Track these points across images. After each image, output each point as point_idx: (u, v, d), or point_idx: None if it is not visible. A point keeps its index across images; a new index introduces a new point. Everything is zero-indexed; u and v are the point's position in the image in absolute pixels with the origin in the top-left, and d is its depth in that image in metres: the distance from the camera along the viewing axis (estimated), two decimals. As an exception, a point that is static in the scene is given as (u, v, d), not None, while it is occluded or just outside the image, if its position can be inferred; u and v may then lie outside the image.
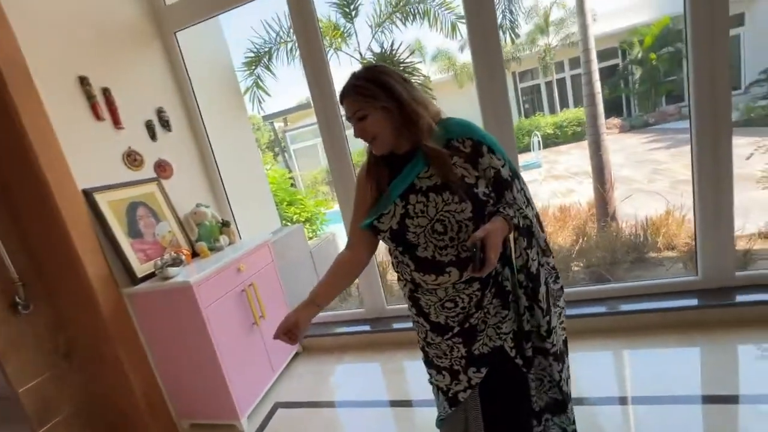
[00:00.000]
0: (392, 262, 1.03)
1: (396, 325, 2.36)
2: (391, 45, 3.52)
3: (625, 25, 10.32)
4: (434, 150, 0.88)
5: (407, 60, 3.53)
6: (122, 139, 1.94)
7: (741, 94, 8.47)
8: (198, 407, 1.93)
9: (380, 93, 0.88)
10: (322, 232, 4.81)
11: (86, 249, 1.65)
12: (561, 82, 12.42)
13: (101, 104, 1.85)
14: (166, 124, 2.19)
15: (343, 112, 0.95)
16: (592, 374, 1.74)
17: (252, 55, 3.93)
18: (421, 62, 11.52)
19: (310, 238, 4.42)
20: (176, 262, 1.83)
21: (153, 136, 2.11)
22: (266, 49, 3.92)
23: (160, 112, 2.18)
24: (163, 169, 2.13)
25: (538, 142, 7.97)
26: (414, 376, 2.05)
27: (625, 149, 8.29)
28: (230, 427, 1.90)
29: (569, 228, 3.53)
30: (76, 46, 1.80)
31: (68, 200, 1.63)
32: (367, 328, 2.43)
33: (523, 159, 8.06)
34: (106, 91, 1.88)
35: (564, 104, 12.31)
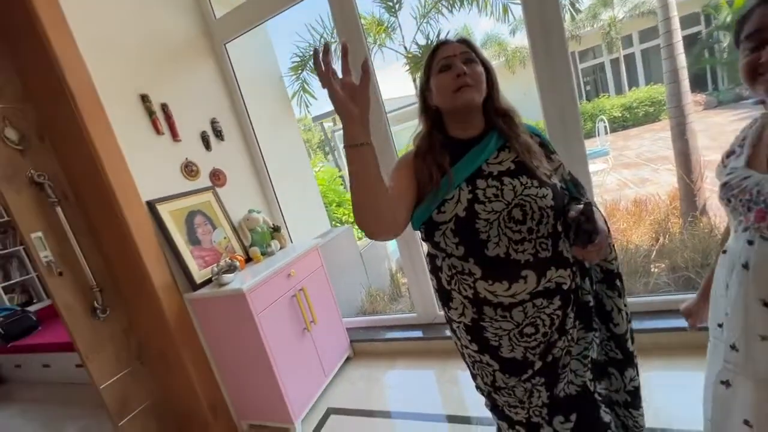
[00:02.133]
0: (443, 279, 0.83)
1: (449, 332, 2.23)
2: (438, 35, 3.36)
3: (709, -15, 8.96)
4: (521, 127, 0.84)
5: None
6: (180, 151, 2.04)
7: None
8: (256, 409, 1.98)
9: (480, 53, 0.85)
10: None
11: (151, 258, 1.76)
12: (629, 59, 11.17)
13: (161, 119, 1.95)
14: (219, 134, 2.28)
15: (446, 54, 0.82)
16: (687, 401, 1.47)
17: (297, 59, 4.00)
18: None
19: (360, 239, 4.43)
20: (231, 269, 1.88)
21: (207, 146, 2.19)
22: (311, 52, 3.94)
23: (213, 123, 2.26)
24: (217, 177, 2.21)
25: (605, 126, 7.23)
26: (470, 388, 1.91)
27: (710, 129, 7.23)
28: (285, 430, 1.93)
29: (646, 223, 3.11)
30: (136, 66, 1.91)
31: (134, 212, 1.73)
32: (419, 334, 2.33)
33: (587, 146, 7.37)
34: (164, 107, 1.98)
35: (633, 83, 11.08)
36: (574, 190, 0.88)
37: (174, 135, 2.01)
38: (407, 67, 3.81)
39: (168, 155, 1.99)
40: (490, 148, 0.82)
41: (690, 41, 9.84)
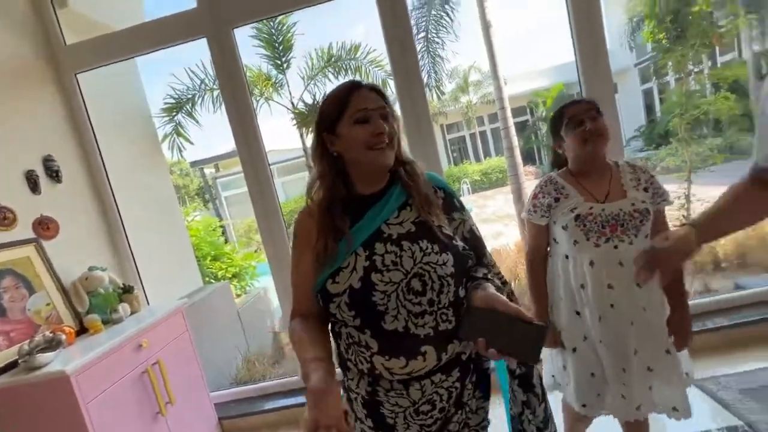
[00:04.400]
0: (341, 346, 0.76)
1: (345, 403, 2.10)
2: (324, 96, 3.57)
3: (530, 88, 11.99)
4: (425, 186, 0.77)
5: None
6: (-12, 194, 1.58)
7: (626, 146, 10.14)
8: None
9: (392, 105, 0.78)
10: (252, 288, 4.41)
11: None
12: (483, 134, 13.79)
13: (-39, 152, 1.51)
14: (54, 175, 1.87)
15: (363, 105, 0.73)
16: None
17: (172, 101, 3.69)
18: None
19: (238, 296, 4.00)
20: (52, 345, 1.45)
21: (35, 188, 1.77)
22: (189, 96, 3.71)
23: (47, 161, 1.85)
24: (45, 227, 1.77)
25: (468, 188, 8.54)
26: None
27: (541, 193, 9.21)
28: None
29: (504, 269, 3.67)
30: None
31: None
32: (303, 399, 2.15)
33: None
34: (-30, 137, 1.55)
35: (487, 153, 13.59)
36: (472, 252, 0.80)
37: (-20, 172, 1.56)
38: (294, 122, 3.90)
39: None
40: (390, 206, 0.75)
41: (521, 126, 12.78)
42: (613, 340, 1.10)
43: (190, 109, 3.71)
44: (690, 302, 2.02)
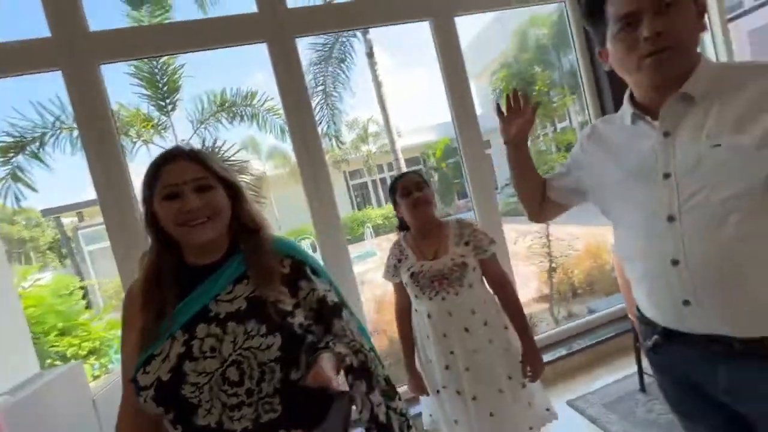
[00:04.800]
0: None
1: None
2: (214, 142, 3.37)
3: (422, 141, 13.40)
4: (267, 256, 0.72)
5: (233, 157, 3.40)
6: None
7: (499, 193, 11.91)
8: None
9: (222, 169, 0.73)
10: (116, 366, 3.59)
11: None
12: (383, 180, 14.66)
13: None
14: None
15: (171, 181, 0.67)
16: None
17: (11, 140, 3.00)
18: (247, 161, 11.67)
19: (96, 377, 3.19)
20: None
21: None
22: (36, 135, 3.09)
23: None
24: None
25: (370, 232, 8.78)
26: None
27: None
28: None
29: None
30: None
31: None
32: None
33: (358, 249, 8.64)
34: None
35: (387, 198, 14.40)
36: (320, 326, 0.75)
37: None
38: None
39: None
40: (222, 280, 0.69)
41: (417, 174, 14.01)
42: (456, 387, 1.25)
43: (36, 150, 3.06)
44: (555, 330, 2.35)
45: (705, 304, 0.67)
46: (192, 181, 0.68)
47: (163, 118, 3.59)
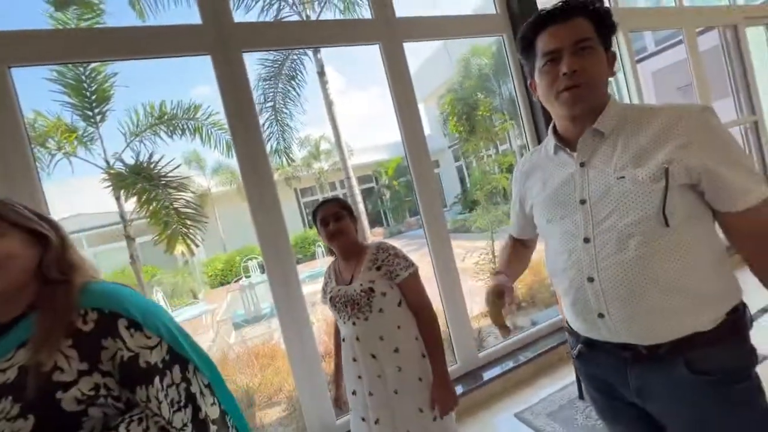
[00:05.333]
0: None
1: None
2: (150, 155, 3.12)
3: (373, 159, 13.59)
4: (57, 311, 0.60)
5: (172, 173, 3.17)
6: None
7: (447, 211, 12.39)
8: None
9: (18, 215, 0.64)
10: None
11: None
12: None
13: None
14: None
15: None
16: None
17: None
18: (186, 177, 11.01)
19: None
20: None
21: None
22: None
23: None
24: None
25: (323, 251, 8.60)
26: None
27: (390, 252, 10.07)
28: None
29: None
30: None
31: None
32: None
33: (309, 268, 8.42)
34: None
35: (340, 216, 14.26)
36: (117, 391, 0.63)
37: None
38: (109, 184, 3.22)
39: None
40: (4, 344, 0.60)
41: (368, 192, 14.14)
42: (361, 414, 1.28)
43: None
44: (503, 343, 2.44)
45: (615, 316, 0.76)
46: None
47: (90, 129, 3.26)
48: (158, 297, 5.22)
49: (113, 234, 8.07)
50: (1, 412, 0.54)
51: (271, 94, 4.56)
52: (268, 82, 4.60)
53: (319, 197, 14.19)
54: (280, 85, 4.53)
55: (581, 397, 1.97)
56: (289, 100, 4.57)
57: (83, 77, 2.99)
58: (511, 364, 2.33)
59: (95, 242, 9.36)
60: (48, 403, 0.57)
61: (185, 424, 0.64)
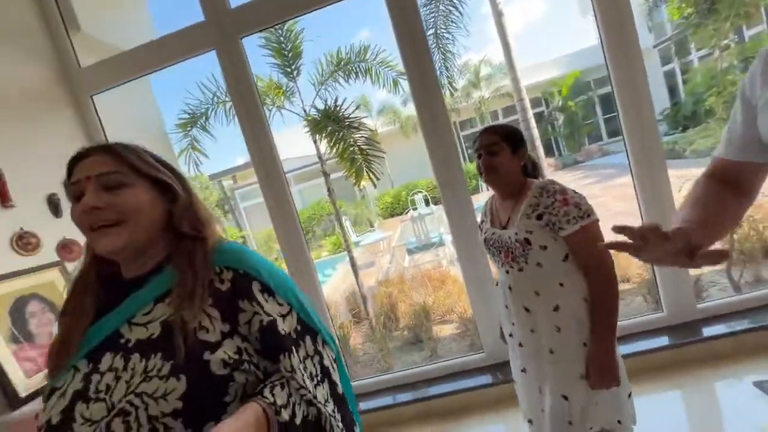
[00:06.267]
0: None
1: (365, 405, 2.04)
2: (335, 101, 3.54)
3: (542, 79, 11.68)
4: (197, 268, 0.57)
5: (353, 115, 3.55)
6: (11, 220, 1.60)
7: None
8: None
9: (146, 163, 0.61)
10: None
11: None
12: (497, 129, 13.53)
13: (-17, 180, 1.53)
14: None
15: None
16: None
17: (186, 116, 3.74)
18: (367, 116, 12.06)
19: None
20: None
21: (56, 211, 1.78)
22: (203, 110, 3.75)
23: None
24: (69, 250, 1.78)
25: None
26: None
27: (565, 185, 8.93)
28: None
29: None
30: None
31: None
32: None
33: (474, 201, 8.35)
34: (-8, 165, 1.57)
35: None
36: (265, 365, 0.58)
37: (3, 199, 1.58)
38: (307, 129, 3.87)
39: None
40: (142, 296, 0.57)
41: (537, 118, 12.45)
42: (515, 356, 1.19)
43: (204, 123, 3.76)
44: (735, 298, 1.86)
45: None
46: (96, 177, 0.56)
47: (290, 84, 3.93)
48: (347, 224, 6.27)
49: (312, 172, 9.92)
50: (152, 369, 0.51)
51: (432, 19, 4.34)
52: (428, 6, 4.36)
53: (480, 129, 13.49)
54: (441, 7, 4.24)
55: None
56: (450, 22, 4.25)
57: (282, 39, 3.54)
58: (746, 323, 1.80)
59: (298, 181, 11.79)
60: (198, 365, 0.52)
61: (327, 400, 0.59)
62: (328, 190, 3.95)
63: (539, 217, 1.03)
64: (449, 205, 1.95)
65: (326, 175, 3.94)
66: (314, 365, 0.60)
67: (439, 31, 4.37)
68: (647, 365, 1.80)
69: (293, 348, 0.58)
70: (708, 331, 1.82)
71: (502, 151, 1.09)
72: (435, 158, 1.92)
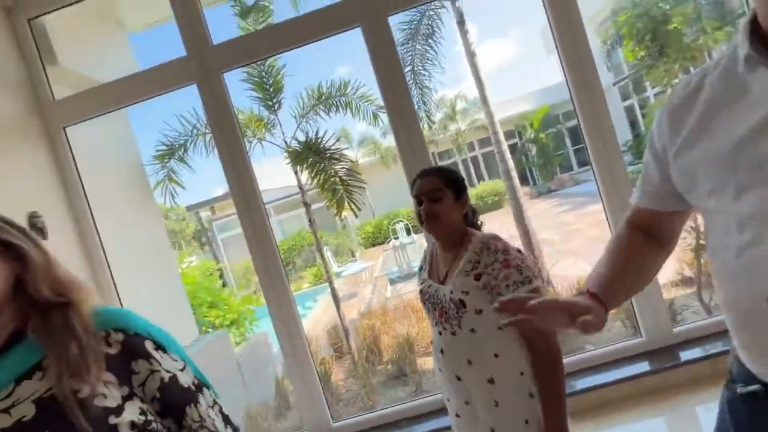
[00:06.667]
0: None
1: (686, 355, 1.81)
2: (316, 133, 3.61)
3: (516, 112, 12.36)
4: (78, 336, 0.52)
5: (334, 146, 3.61)
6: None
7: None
8: None
9: (14, 232, 0.55)
10: (251, 333, 4.22)
11: None
12: (474, 159, 14.02)
13: (-62, 214, 1.44)
14: (39, 232, 1.78)
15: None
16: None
17: (164, 148, 3.70)
18: (348, 148, 12.29)
19: (237, 344, 3.81)
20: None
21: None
22: (181, 142, 3.73)
23: (32, 218, 1.77)
24: (28, 287, 1.66)
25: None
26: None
27: (537, 214, 9.24)
28: None
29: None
30: None
31: None
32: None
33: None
34: (-51, 198, 1.48)
35: (480, 177, 13.75)
36: (168, 419, 0.57)
37: (-41, 235, 1.48)
38: (288, 161, 3.90)
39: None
40: (11, 370, 0.51)
41: (511, 149, 12.96)
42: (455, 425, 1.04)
43: (182, 155, 3.72)
44: (707, 321, 1.91)
45: None
46: None
47: (271, 116, 3.99)
48: (327, 254, 6.19)
49: (292, 203, 9.87)
50: None
51: (410, 57, 4.57)
52: (405, 46, 4.61)
53: (457, 159, 13.93)
54: (417, 47, 4.48)
55: None
56: (427, 60, 4.49)
57: (263, 73, 3.63)
58: (720, 346, 1.85)
59: (278, 212, 11.68)
60: (108, 425, 0.49)
61: None
62: (309, 220, 3.93)
63: (477, 278, 0.92)
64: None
65: (307, 205, 3.94)
66: (217, 414, 0.61)
67: (416, 68, 4.60)
68: (630, 392, 1.80)
69: (197, 399, 0.59)
70: (685, 355, 1.85)
71: (445, 197, 0.98)
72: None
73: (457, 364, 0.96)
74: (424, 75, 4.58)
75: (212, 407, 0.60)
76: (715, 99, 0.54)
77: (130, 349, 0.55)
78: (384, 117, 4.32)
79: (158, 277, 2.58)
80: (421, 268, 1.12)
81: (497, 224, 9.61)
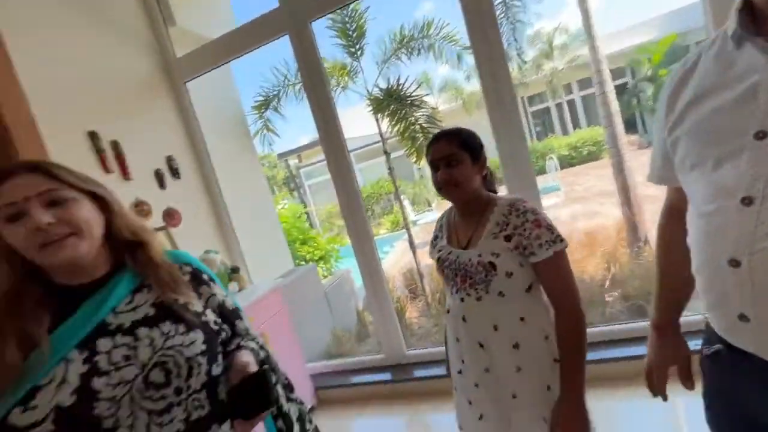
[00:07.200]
0: None
1: (418, 373, 2.16)
2: (398, 80, 3.55)
3: (630, 44, 10.34)
4: (165, 266, 0.69)
5: (415, 93, 3.53)
6: (130, 190, 1.92)
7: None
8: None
9: (80, 179, 0.65)
10: (336, 269, 4.70)
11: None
12: (571, 104, 12.37)
13: (110, 157, 1.85)
14: (175, 172, 2.19)
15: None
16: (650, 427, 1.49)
17: (261, 99, 4.03)
18: (429, 94, 11.80)
19: (325, 277, 4.30)
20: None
21: (162, 184, 2.09)
22: (275, 93, 4.01)
23: (169, 161, 2.17)
24: (171, 216, 2.09)
25: (555, 164, 7.82)
26: (441, 433, 1.83)
27: (645, 166, 8.02)
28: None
29: (598, 255, 3.30)
30: (87, 103, 1.83)
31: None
32: (387, 376, 2.24)
33: (540, 182, 7.90)
34: (115, 144, 1.89)
35: (576, 125, 12.20)
36: (227, 326, 0.75)
37: (124, 173, 1.90)
38: (370, 108, 3.95)
39: (117, 194, 1.86)
40: (118, 292, 0.64)
41: (620, 90, 11.11)
42: (467, 396, 1.03)
43: (276, 105, 4.02)
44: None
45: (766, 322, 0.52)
46: (38, 195, 0.58)
47: (354, 63, 4.01)
48: (405, 203, 6.35)
49: (372, 151, 10.09)
50: (170, 331, 0.63)
51: (502, -14, 4.06)
52: (497, -28, 4.09)
53: (551, 104, 12.46)
54: (512, -28, 3.95)
55: None
56: (521, -11, 3.95)
57: (347, 18, 3.60)
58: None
59: (359, 160, 12.07)
60: (202, 322, 0.68)
61: (268, 355, 0.78)
62: (389, 168, 4.03)
63: (508, 239, 0.90)
64: (511, 185, 1.90)
65: (387, 153, 4.01)
66: (251, 328, 0.82)
67: (508, 0, 4.09)
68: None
69: (241, 316, 0.80)
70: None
71: (461, 162, 0.94)
72: (499, 136, 1.87)
73: (482, 331, 0.96)
74: (517, 6, 4.07)
75: (249, 326, 0.81)
76: (707, 77, 0.57)
77: (196, 277, 0.75)
78: (468, 59, 4.03)
79: (261, 215, 2.99)
80: (436, 237, 1.10)
81: (592, 177, 8.64)
